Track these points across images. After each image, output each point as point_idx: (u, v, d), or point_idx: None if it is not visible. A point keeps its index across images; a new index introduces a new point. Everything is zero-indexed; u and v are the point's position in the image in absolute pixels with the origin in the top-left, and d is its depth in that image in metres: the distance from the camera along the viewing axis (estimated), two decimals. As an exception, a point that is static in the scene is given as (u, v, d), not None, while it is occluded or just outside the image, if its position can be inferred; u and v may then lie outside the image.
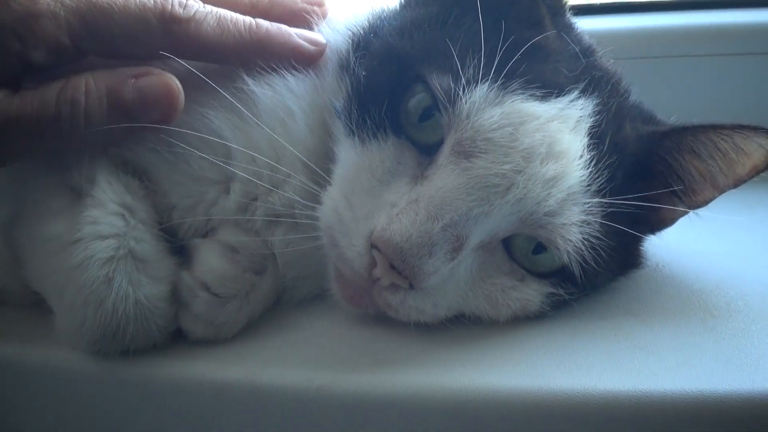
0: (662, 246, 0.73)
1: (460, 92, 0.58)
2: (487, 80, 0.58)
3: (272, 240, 0.67)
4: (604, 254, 0.61)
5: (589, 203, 0.60)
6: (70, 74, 0.60)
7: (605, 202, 0.61)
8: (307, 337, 0.65)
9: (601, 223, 0.61)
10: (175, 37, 0.62)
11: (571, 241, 0.60)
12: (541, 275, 0.63)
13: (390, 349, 0.62)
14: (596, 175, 0.60)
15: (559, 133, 0.59)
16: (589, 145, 0.61)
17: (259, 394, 0.60)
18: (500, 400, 0.56)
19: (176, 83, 0.61)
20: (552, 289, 0.63)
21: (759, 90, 1.03)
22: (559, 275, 0.63)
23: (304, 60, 0.68)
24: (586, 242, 0.60)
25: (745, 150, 0.63)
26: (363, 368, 0.60)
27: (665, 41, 1.04)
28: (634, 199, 0.61)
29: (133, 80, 0.60)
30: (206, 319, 0.63)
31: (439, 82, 0.59)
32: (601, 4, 1.16)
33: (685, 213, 0.68)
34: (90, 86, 0.59)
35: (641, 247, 0.71)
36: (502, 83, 0.59)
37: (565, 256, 0.60)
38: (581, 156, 0.60)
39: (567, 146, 0.59)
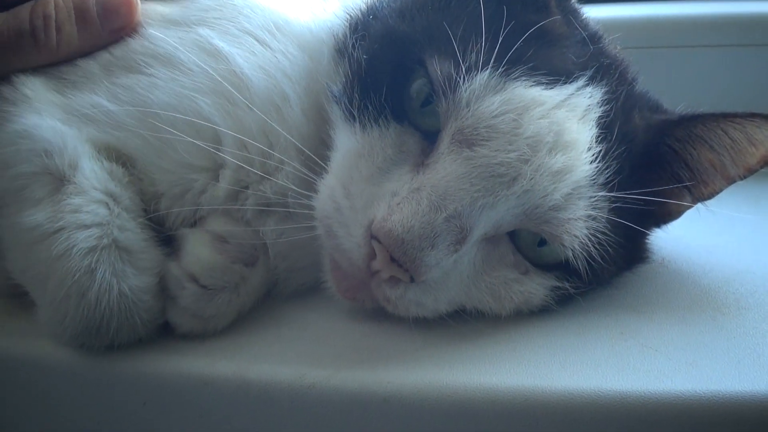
0: (668, 240, 0.72)
1: (460, 80, 0.57)
2: (489, 66, 0.57)
3: (264, 230, 0.65)
4: (610, 249, 0.60)
5: (595, 197, 0.59)
6: None
7: (612, 196, 0.59)
8: (299, 332, 0.64)
9: (607, 217, 0.59)
10: None
11: (576, 236, 0.58)
12: (546, 267, 0.61)
13: (387, 345, 0.61)
14: (604, 168, 0.59)
15: (567, 121, 0.58)
16: (597, 136, 0.59)
17: (249, 391, 0.59)
18: (501, 400, 0.55)
19: None
20: (557, 283, 0.62)
21: (766, 81, 1.02)
22: (564, 268, 0.61)
23: None
24: (592, 237, 0.59)
25: (757, 139, 0.62)
26: (358, 365, 0.59)
27: (672, 31, 1.04)
28: (643, 192, 0.59)
29: None
30: (194, 312, 0.62)
31: (439, 67, 0.58)
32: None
33: (692, 205, 0.67)
34: (58, 2, 0.68)
35: (647, 241, 0.69)
36: (505, 69, 0.57)
37: (570, 253, 0.59)
38: (590, 148, 0.59)
39: (576, 136, 0.58)
